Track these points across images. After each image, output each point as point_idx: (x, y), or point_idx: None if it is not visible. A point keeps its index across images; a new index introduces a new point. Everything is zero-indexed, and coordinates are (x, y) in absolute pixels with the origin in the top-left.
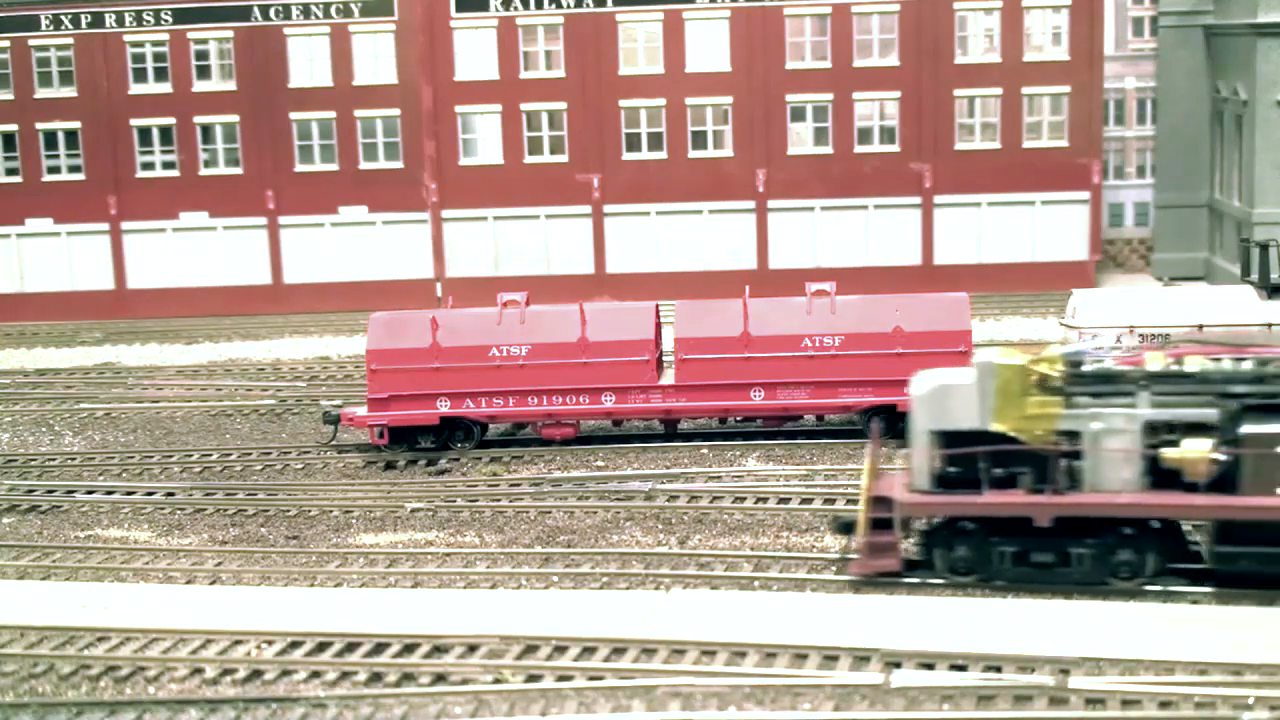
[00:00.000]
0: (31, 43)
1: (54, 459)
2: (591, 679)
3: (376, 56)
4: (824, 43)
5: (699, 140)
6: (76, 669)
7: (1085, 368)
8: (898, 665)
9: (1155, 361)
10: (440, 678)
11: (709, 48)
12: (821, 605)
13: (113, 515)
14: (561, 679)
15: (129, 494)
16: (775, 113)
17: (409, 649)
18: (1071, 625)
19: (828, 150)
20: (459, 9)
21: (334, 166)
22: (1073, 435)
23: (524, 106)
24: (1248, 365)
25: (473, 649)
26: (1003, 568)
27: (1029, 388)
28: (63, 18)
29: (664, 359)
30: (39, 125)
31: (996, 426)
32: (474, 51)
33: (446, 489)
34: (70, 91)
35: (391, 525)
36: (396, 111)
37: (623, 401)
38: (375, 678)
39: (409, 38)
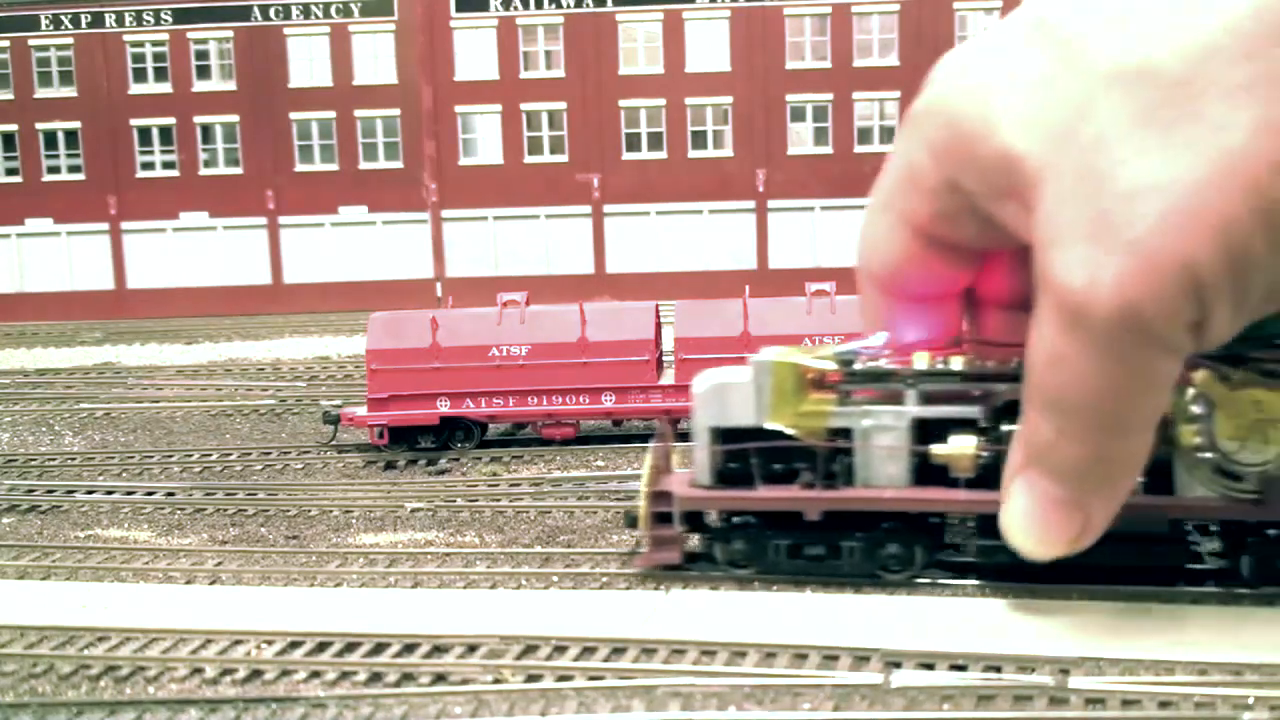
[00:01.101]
0: (31, 43)
1: (54, 459)
2: (591, 679)
3: (376, 56)
4: (824, 43)
5: (699, 140)
6: (76, 669)
7: (857, 366)
8: (898, 665)
9: (922, 360)
10: (440, 678)
11: (709, 48)
12: (821, 604)
13: (113, 515)
14: (561, 679)
15: (129, 494)
16: (775, 113)
17: (409, 649)
18: (1071, 625)
19: (828, 150)
20: (459, 9)
21: (334, 166)
22: (845, 432)
23: (524, 106)
24: (1012, 364)
25: (473, 649)
26: (778, 560)
27: (803, 385)
28: (63, 18)
29: (664, 359)
30: (39, 125)
31: (773, 423)
32: (474, 51)
33: (446, 489)
34: (70, 91)
35: (391, 525)
36: (396, 111)
37: (623, 401)
38: (375, 678)
39: (409, 38)
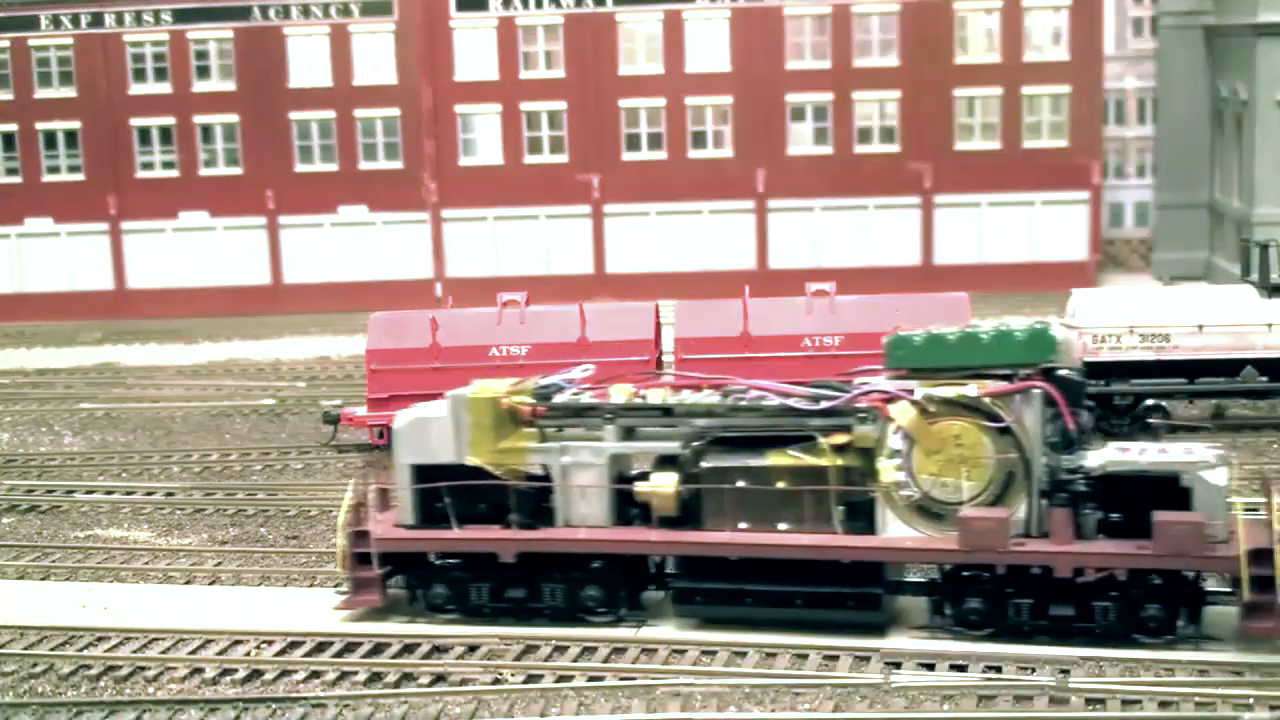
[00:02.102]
0: (31, 43)
1: (54, 459)
2: (591, 679)
3: (376, 56)
4: (824, 43)
5: (699, 140)
6: (76, 669)
7: (557, 400)
8: (898, 665)
9: (620, 394)
10: (440, 678)
11: (709, 48)
12: None
13: (113, 515)
14: (561, 679)
15: (129, 494)
16: (775, 113)
17: (409, 649)
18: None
19: (828, 150)
20: (459, 9)
21: (334, 166)
22: (546, 469)
23: (524, 106)
24: (711, 398)
25: (472, 649)
26: (481, 603)
27: (502, 421)
28: (63, 18)
29: (664, 359)
30: (39, 125)
31: (472, 460)
32: (474, 51)
33: None
34: (70, 91)
35: None
36: (396, 111)
37: None
38: (375, 678)
39: (409, 38)
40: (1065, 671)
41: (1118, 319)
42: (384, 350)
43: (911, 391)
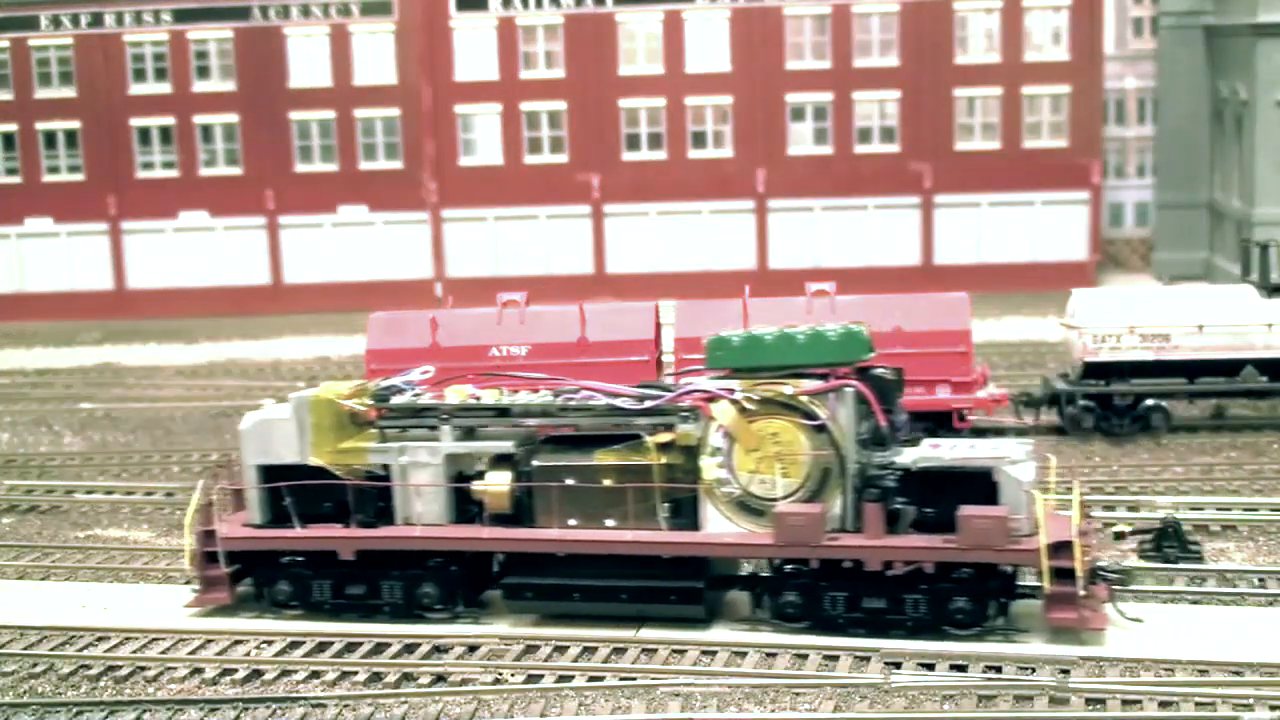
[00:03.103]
0: (31, 43)
1: (54, 459)
2: (591, 679)
3: (376, 56)
4: (824, 43)
5: (699, 140)
6: (76, 669)
7: (394, 401)
8: (898, 665)
9: (455, 394)
10: (440, 678)
11: (709, 47)
12: None
13: (113, 515)
14: (561, 679)
15: (129, 494)
16: (775, 112)
17: (409, 649)
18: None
19: (828, 150)
20: (459, 9)
21: (334, 166)
22: (386, 469)
23: (524, 106)
24: (544, 397)
25: (473, 649)
26: (322, 599)
27: (343, 422)
28: (63, 18)
29: (664, 359)
30: (39, 125)
31: (315, 460)
32: (474, 51)
33: None
34: (70, 91)
35: None
36: (396, 111)
37: None
38: (375, 678)
39: (409, 38)
40: (1065, 671)
41: (1118, 319)
42: (384, 350)
43: (732, 391)
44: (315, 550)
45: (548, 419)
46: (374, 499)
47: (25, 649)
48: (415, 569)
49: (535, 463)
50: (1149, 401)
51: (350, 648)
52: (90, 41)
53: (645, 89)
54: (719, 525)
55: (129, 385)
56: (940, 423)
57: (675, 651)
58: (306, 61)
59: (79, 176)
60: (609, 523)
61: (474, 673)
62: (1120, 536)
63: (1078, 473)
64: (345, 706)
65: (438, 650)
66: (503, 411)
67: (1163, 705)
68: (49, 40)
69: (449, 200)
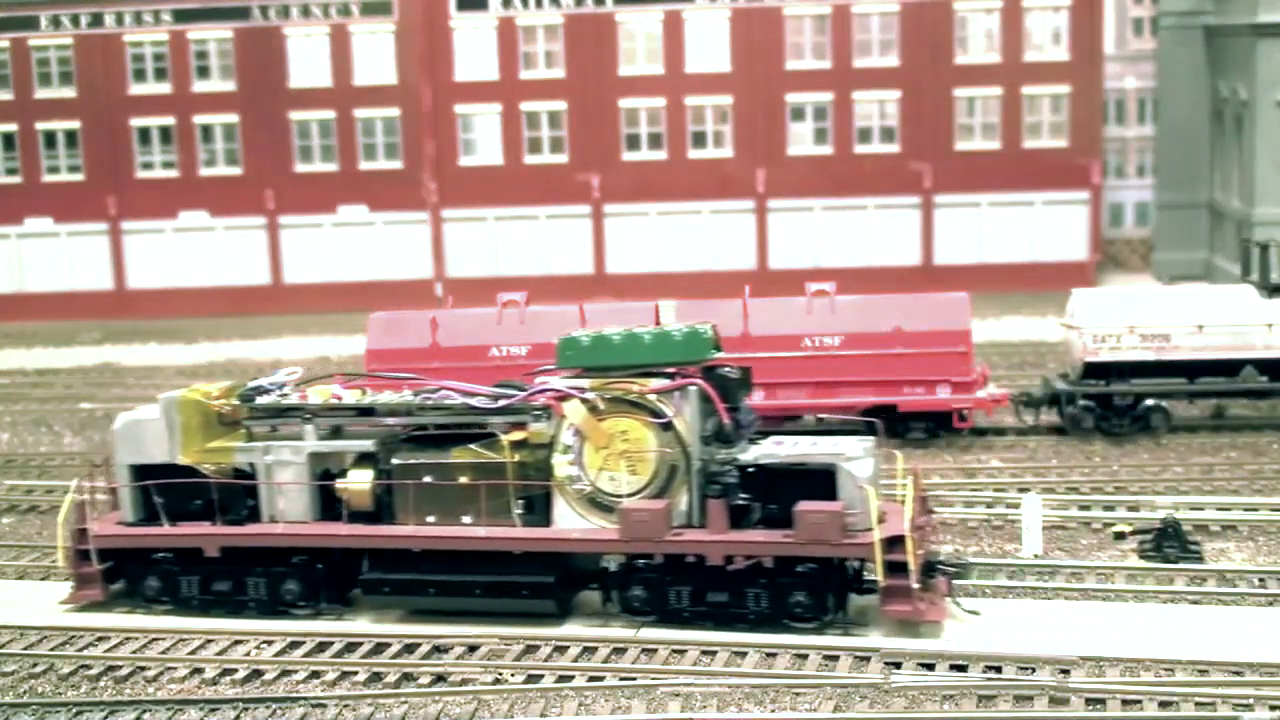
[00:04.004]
0: (31, 43)
1: (54, 459)
2: (591, 679)
3: (376, 56)
4: (824, 43)
5: (699, 140)
6: (76, 669)
7: (260, 401)
8: (898, 665)
9: (318, 395)
10: (440, 678)
11: (709, 47)
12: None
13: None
14: (561, 679)
15: None
16: (775, 112)
17: (409, 649)
18: (1072, 625)
19: (828, 150)
20: (459, 9)
21: (334, 166)
22: (253, 467)
23: (524, 106)
24: (404, 397)
25: (473, 649)
26: (190, 595)
27: (210, 422)
28: (63, 18)
29: None
30: (39, 125)
31: (183, 460)
32: (474, 51)
33: None
34: (70, 91)
35: None
36: (396, 111)
37: None
38: (375, 678)
39: (409, 38)
40: (1065, 671)
41: (1118, 319)
42: (384, 350)
43: (583, 390)
44: (182, 547)
45: (407, 418)
46: (242, 497)
47: (25, 649)
48: (279, 566)
49: (395, 461)
50: (1149, 401)
51: (350, 648)
52: (90, 41)
53: (645, 89)
54: (570, 521)
55: (129, 385)
56: (940, 423)
57: (675, 651)
58: (306, 61)
59: (79, 176)
60: (465, 519)
61: (474, 673)
62: (1120, 536)
63: (920, 472)
64: (345, 706)
65: (438, 650)
66: (364, 411)
67: (1163, 705)
68: (49, 40)
69: (449, 200)
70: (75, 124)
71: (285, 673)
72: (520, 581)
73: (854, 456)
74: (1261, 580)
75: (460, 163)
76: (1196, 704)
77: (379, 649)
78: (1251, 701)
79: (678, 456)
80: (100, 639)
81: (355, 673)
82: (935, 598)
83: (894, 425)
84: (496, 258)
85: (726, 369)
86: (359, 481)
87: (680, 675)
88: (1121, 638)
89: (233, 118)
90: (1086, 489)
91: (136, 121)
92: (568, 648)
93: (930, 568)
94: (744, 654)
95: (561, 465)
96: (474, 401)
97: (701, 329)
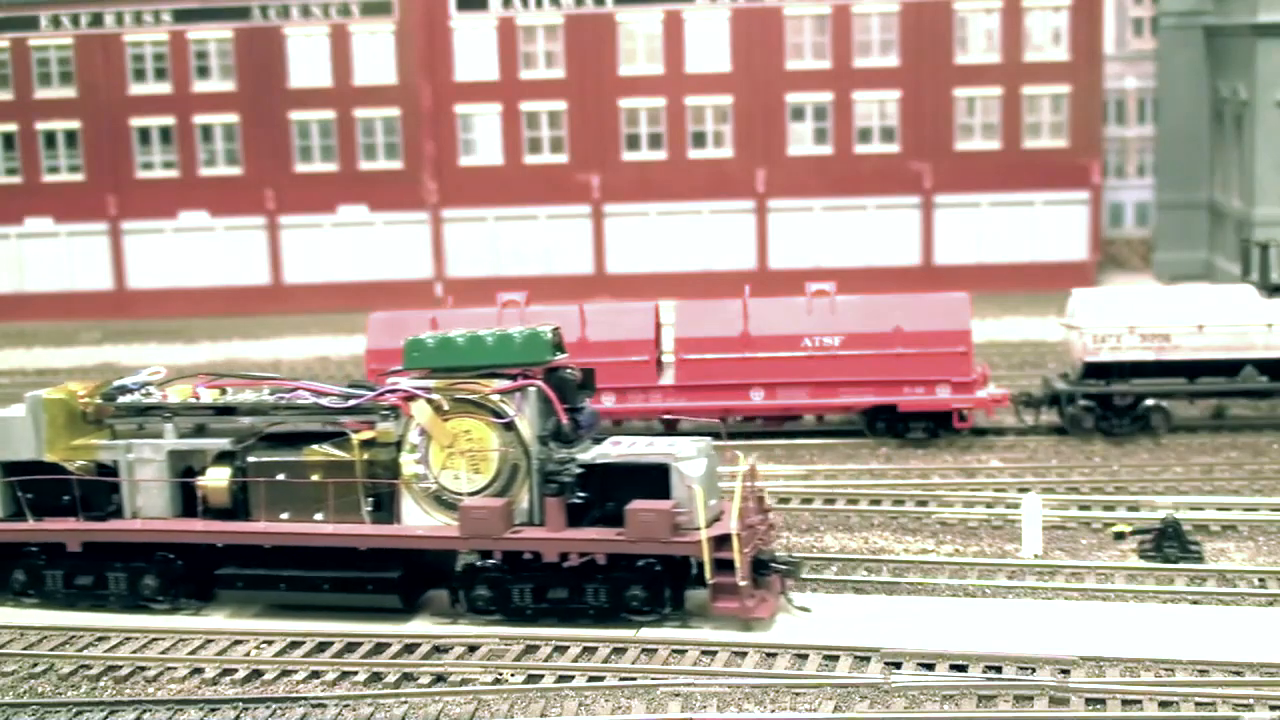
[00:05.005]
0: (31, 43)
1: None
2: (591, 679)
3: (376, 56)
4: (824, 43)
5: (699, 140)
6: (76, 669)
7: (122, 400)
8: (898, 665)
9: (178, 394)
10: (440, 678)
11: (709, 47)
12: (823, 604)
13: None
14: (561, 679)
15: None
16: (775, 112)
17: (409, 649)
18: (1072, 625)
19: (828, 150)
20: (459, 9)
21: (334, 166)
22: (116, 464)
23: (524, 106)
24: (263, 396)
25: (473, 649)
26: (55, 589)
27: (75, 420)
28: (63, 18)
29: (664, 359)
30: (39, 125)
31: (49, 457)
32: (474, 51)
33: None
34: (70, 91)
35: None
36: (396, 111)
37: (623, 401)
38: (375, 678)
39: (409, 38)
40: (1065, 671)
41: (1118, 319)
42: (384, 350)
43: (429, 390)
44: (46, 542)
45: (261, 416)
46: (106, 494)
47: (25, 649)
48: (139, 561)
49: (250, 459)
50: (1149, 401)
51: (350, 648)
52: (90, 41)
53: (645, 89)
54: (416, 519)
55: None
56: (940, 423)
57: (675, 651)
58: (306, 61)
59: (79, 176)
60: (317, 516)
61: (474, 673)
62: (1120, 536)
63: (756, 472)
64: (345, 706)
65: (438, 650)
66: (222, 410)
67: (1163, 705)
68: (49, 40)
69: (449, 200)
70: (75, 124)
71: (285, 673)
72: (366, 577)
73: (686, 456)
74: (1261, 580)
75: (460, 163)
76: (1196, 704)
77: (379, 649)
78: (1251, 701)
79: (519, 456)
80: (100, 639)
81: (355, 673)
82: (768, 594)
83: (894, 425)
84: (496, 258)
85: (568, 371)
86: (216, 479)
87: (680, 675)
88: (1120, 638)
89: (233, 118)
90: (1086, 489)
91: (136, 121)
92: (568, 648)
93: (761, 565)
94: (744, 654)
95: (408, 464)
96: (325, 401)
97: (542, 331)
